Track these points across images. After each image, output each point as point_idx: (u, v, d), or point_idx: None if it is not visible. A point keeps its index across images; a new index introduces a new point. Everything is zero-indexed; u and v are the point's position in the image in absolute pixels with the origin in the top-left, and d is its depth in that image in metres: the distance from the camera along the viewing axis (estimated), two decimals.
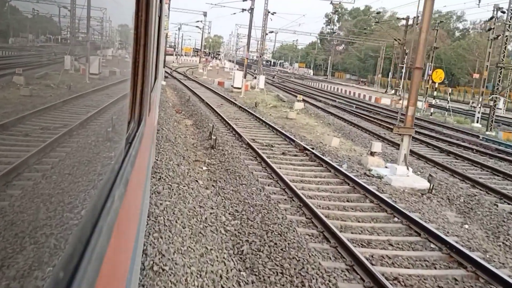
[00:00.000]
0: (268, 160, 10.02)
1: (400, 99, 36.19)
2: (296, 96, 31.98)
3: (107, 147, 1.64)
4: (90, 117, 1.54)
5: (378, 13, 64.25)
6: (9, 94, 0.94)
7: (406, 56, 51.73)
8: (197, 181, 8.33)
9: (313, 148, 11.97)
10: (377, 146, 11.35)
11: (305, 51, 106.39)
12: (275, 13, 35.71)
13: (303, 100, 25.19)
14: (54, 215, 1.03)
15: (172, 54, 79.12)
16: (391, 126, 17.29)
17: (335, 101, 31.35)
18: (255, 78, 38.13)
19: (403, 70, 50.91)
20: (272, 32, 45.83)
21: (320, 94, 39.72)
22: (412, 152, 12.33)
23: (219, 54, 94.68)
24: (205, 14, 63.52)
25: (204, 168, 9.49)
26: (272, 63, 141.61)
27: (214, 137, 10.95)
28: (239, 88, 32.53)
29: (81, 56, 1.38)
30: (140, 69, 2.29)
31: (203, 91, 30.25)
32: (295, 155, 11.50)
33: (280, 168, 9.58)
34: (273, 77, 55.20)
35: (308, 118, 20.20)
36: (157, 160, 8.40)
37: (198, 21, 60.39)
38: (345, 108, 26.54)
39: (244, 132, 13.53)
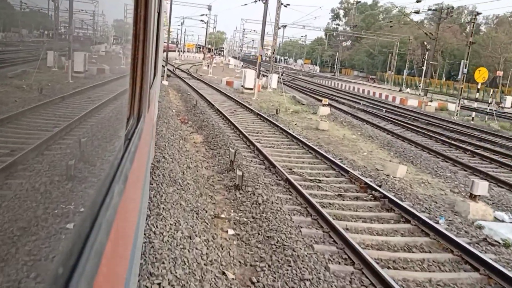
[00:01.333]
0: (326, 215, 7.14)
1: (431, 101, 30.59)
2: (313, 97, 32.07)
3: (106, 144, 1.67)
4: (89, 114, 1.55)
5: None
6: (6, 90, 0.94)
7: (427, 52, 47.59)
8: (224, 273, 5.10)
9: (380, 186, 9.29)
10: (482, 187, 8.41)
11: (310, 47, 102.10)
12: (288, 5, 35.97)
13: (329, 105, 23.36)
14: (54, 211, 1.04)
15: (174, 51, 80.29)
16: (455, 143, 16.61)
17: (359, 103, 29.53)
18: (265, 76, 36.58)
19: (424, 67, 46.40)
20: (283, 26, 41.41)
21: (337, 93, 39.08)
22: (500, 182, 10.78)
23: (222, 50, 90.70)
24: (209, 8, 58.72)
25: (231, 232, 6.46)
26: (276, 60, 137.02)
27: (240, 173, 8.40)
28: (251, 89, 29.95)
29: (64, 51, 1.29)
30: (139, 66, 2.33)
31: (210, 92, 28.04)
32: (358, 198, 8.71)
33: (347, 229, 6.92)
34: (282, 74, 51.81)
35: (342, 129, 18.17)
36: (155, 229, 5.53)
37: (202, 15, 55.44)
38: (374, 112, 25.16)
39: (274, 156, 11.23)
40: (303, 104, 25.29)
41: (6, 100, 0.89)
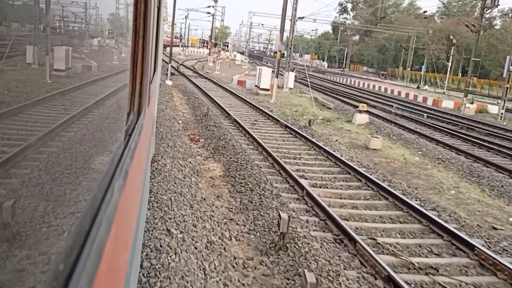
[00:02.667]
0: None
1: (472, 103, 31.83)
2: (335, 97, 29.92)
3: (106, 139, 1.69)
4: (89, 109, 1.57)
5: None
6: (7, 84, 0.97)
7: (453, 47, 43.77)
8: None
9: None
10: None
11: (317, 42, 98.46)
12: None
13: (367, 112, 20.08)
14: (54, 208, 1.07)
15: (178, 46, 78.74)
16: None
17: (392, 106, 26.88)
18: (280, 75, 31.77)
19: (449, 64, 42.89)
20: (300, 18, 37.11)
21: (358, 93, 36.77)
22: None
23: (227, 45, 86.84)
24: (215, 0, 54.33)
25: None
26: (282, 55, 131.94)
27: (306, 275, 4.77)
28: (267, 90, 26.78)
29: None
30: (139, 61, 2.38)
31: (221, 94, 25.10)
32: None
33: None
34: (293, 71, 48.22)
35: (395, 146, 14.65)
36: None
37: (209, 6, 51.26)
38: (413, 117, 22.71)
39: (336, 207, 7.86)
40: (330, 108, 23.42)
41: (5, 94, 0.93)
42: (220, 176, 9.24)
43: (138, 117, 2.33)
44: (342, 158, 10.90)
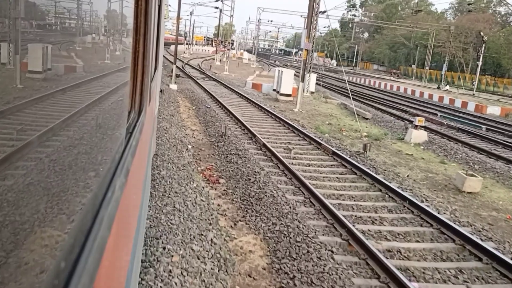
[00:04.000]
0: None
1: None
2: (362, 102, 25.96)
3: (107, 137, 1.74)
4: (90, 108, 1.59)
5: None
6: (10, 82, 1.01)
7: (484, 44, 40.17)
8: None
9: None
10: None
11: (324, 39, 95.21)
12: None
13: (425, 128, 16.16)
14: (55, 206, 1.10)
15: (182, 44, 75.75)
16: None
17: (436, 114, 23.08)
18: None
19: (479, 62, 39.28)
20: (322, 12, 32.94)
21: (382, 95, 33.54)
22: None
23: (232, 43, 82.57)
24: None
25: None
26: (288, 53, 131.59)
27: None
28: (288, 96, 22.99)
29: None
30: (140, 59, 2.37)
31: (235, 101, 21.55)
32: None
33: None
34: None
35: (492, 184, 10.53)
36: None
37: (217, 1, 47.03)
38: (467, 129, 18.97)
39: None
40: (367, 119, 20.37)
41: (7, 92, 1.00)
42: (264, 269, 5.12)
43: (139, 115, 2.35)
44: (439, 217, 7.53)
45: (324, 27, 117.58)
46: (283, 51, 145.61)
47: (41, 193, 1.02)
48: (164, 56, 54.63)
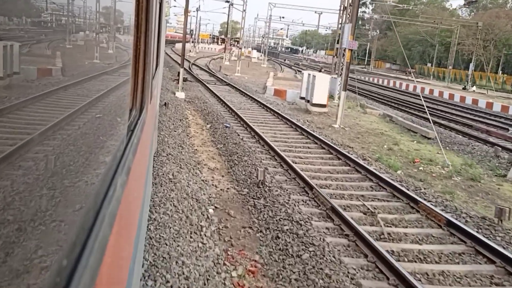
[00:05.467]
0: None
1: None
2: (397, 108, 22.86)
3: (109, 136, 1.74)
4: (92, 106, 1.57)
5: None
6: (8, 76, 0.98)
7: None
8: None
9: None
10: None
11: (332, 37, 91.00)
12: None
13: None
14: (57, 204, 1.08)
15: (188, 41, 71.95)
16: None
17: (508, 130, 19.02)
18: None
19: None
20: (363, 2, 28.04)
21: (414, 99, 28.27)
22: None
23: (238, 41, 78.25)
24: None
25: None
26: (296, 50, 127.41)
27: None
28: (323, 106, 18.59)
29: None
30: (141, 57, 2.35)
31: (260, 115, 16.75)
32: None
33: None
34: (320, 70, 43.28)
35: None
36: None
37: None
38: None
39: None
40: (430, 138, 15.58)
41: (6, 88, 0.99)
42: None
43: (141, 113, 2.33)
44: None
45: (339, 23, 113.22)
46: (289, 49, 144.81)
47: (42, 192, 1.00)
48: (169, 55, 50.82)
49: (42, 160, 1.03)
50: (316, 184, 8.67)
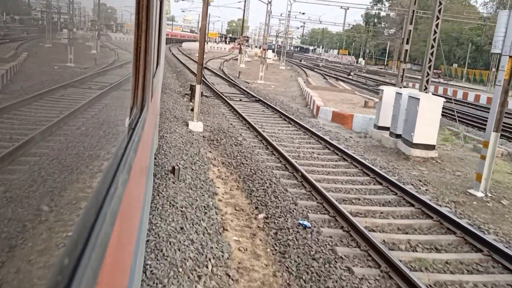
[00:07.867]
0: None
1: None
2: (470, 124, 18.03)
3: (110, 134, 1.69)
4: (93, 104, 1.54)
5: None
6: (13, 75, 0.94)
7: None
8: None
9: None
10: None
11: (346, 35, 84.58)
12: None
13: None
14: (58, 202, 1.08)
15: (195, 41, 69.14)
16: None
17: None
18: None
19: None
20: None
21: (478, 111, 24.28)
22: None
23: (247, 40, 73.30)
24: None
25: None
26: (304, 49, 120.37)
27: None
28: (430, 148, 11.31)
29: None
30: (141, 55, 2.31)
31: (333, 170, 9.38)
32: None
33: None
34: (349, 75, 42.97)
35: None
36: None
37: None
38: None
39: None
40: None
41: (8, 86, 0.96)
42: None
43: (141, 111, 2.29)
44: None
45: (356, 21, 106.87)
46: (299, 48, 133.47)
47: (44, 190, 1.00)
48: (176, 56, 44.19)
49: (44, 159, 1.01)
50: None
